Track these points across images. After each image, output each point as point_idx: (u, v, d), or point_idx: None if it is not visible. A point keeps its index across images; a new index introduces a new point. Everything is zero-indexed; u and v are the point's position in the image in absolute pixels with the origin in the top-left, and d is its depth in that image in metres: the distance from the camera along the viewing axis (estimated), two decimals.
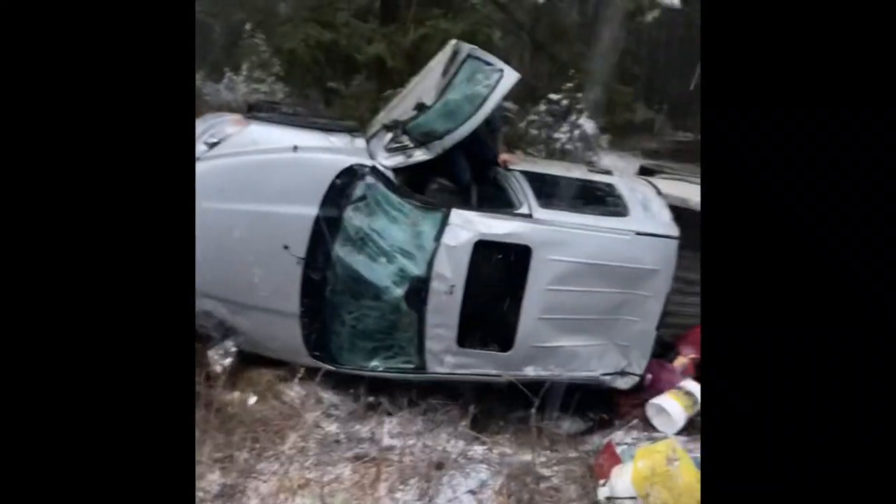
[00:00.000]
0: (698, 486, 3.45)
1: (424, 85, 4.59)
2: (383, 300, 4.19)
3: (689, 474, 3.43)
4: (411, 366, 4.29)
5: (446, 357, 4.28)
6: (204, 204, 4.01)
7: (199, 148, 4.08)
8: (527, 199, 4.45)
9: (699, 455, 3.83)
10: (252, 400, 4.05)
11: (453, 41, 4.72)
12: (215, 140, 4.11)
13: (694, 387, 4.52)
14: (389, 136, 4.41)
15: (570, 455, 4.08)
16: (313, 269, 4.13)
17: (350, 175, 4.23)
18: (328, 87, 6.58)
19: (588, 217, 4.45)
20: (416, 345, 4.25)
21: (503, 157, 4.87)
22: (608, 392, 4.64)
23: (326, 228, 4.13)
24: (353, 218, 4.20)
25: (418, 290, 4.18)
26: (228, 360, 4.09)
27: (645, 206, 4.65)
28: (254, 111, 4.55)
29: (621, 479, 3.52)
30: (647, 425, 4.38)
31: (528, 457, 3.86)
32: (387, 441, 3.94)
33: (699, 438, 4.26)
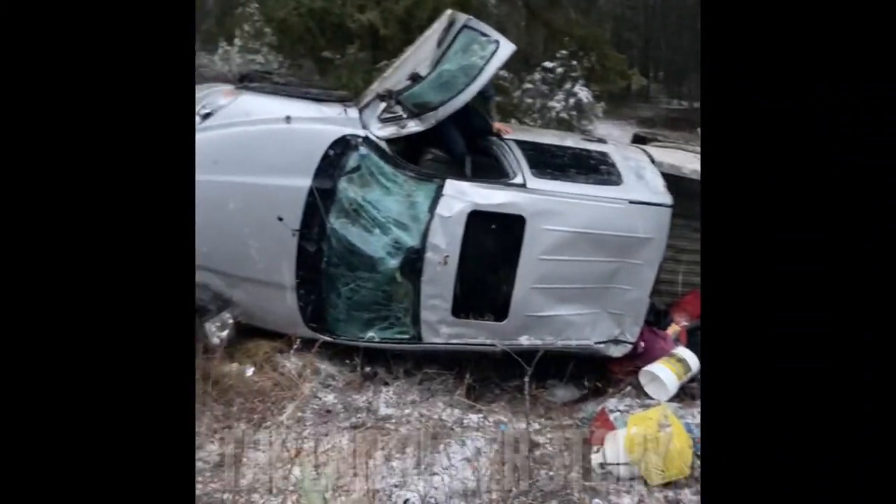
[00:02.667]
0: (689, 451, 3.52)
1: (419, 55, 4.54)
2: (378, 271, 4.20)
3: (680, 440, 3.49)
4: (407, 336, 4.32)
5: (441, 327, 4.32)
6: (198, 176, 4.01)
7: None
8: (521, 168, 4.44)
9: (690, 421, 3.91)
10: (249, 371, 4.09)
11: (449, 11, 4.66)
12: (208, 111, 4.07)
13: (686, 354, 4.58)
14: (383, 106, 4.38)
15: (565, 422, 4.15)
16: (308, 241, 4.14)
17: (343, 146, 4.22)
18: (321, 56, 6.49)
19: (582, 186, 4.45)
20: (412, 315, 4.28)
21: (497, 126, 4.85)
22: (602, 360, 4.70)
23: (320, 200, 4.13)
24: (347, 189, 4.19)
25: (413, 261, 4.20)
26: (225, 333, 4.12)
27: (638, 175, 4.65)
28: (245, 81, 4.51)
29: (614, 446, 3.58)
30: (640, 392, 4.45)
31: (522, 425, 3.92)
32: (383, 410, 3.99)
33: (692, 404, 4.34)
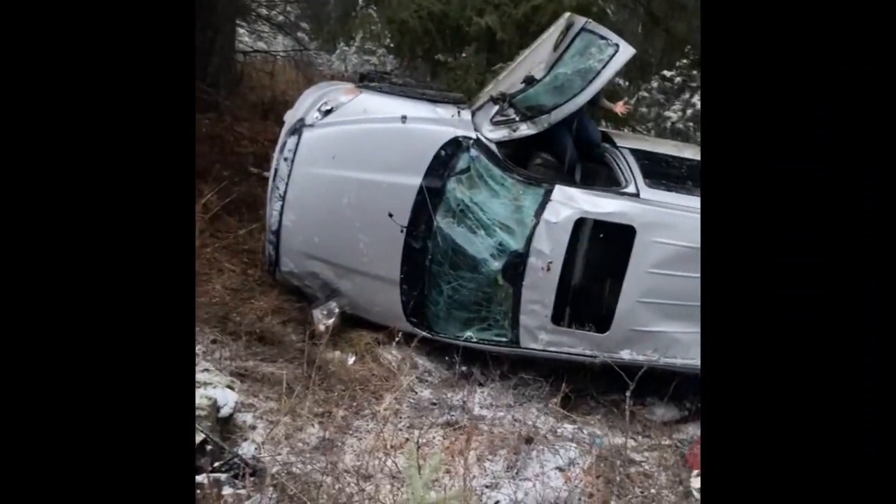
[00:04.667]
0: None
1: (535, 58, 4.53)
2: (481, 272, 4.23)
3: None
4: (504, 339, 4.32)
5: (540, 334, 4.28)
6: (316, 170, 4.20)
7: (313, 115, 4.23)
8: (634, 177, 4.33)
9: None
10: (351, 360, 4.22)
11: (567, 14, 4.62)
12: (329, 108, 4.24)
13: None
14: (496, 108, 4.39)
15: (663, 442, 4.00)
16: (415, 238, 4.22)
17: (454, 146, 4.27)
18: (437, 58, 6.62)
19: (698, 199, 4.27)
20: (511, 319, 4.27)
21: (619, 107, 4.78)
22: None
23: (429, 199, 4.20)
24: (456, 189, 4.24)
25: (516, 264, 4.19)
26: (331, 321, 4.27)
27: None
28: (366, 81, 4.66)
29: None
30: None
31: (619, 440, 3.82)
32: (477, 411, 4.00)
33: None
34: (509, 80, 4.60)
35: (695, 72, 7.66)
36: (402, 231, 4.19)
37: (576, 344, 4.33)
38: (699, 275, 4.43)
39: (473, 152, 4.29)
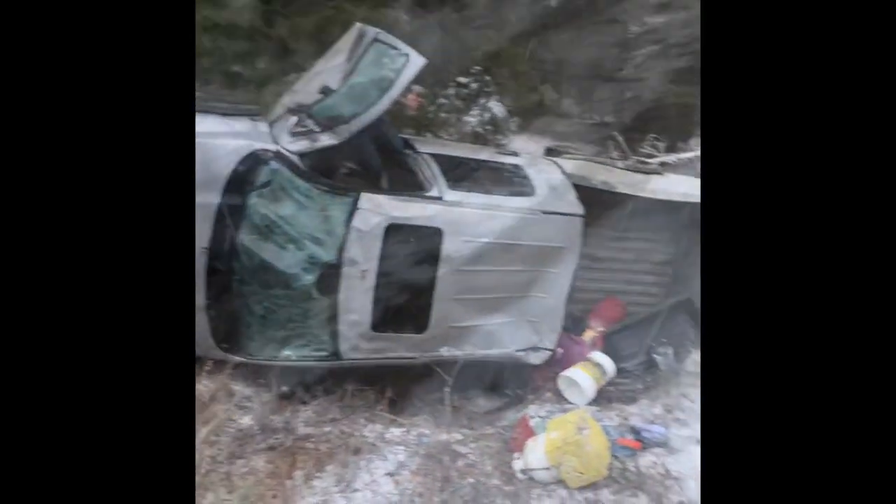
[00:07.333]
0: (607, 452, 3.61)
1: (328, 68, 4.50)
2: (293, 288, 4.10)
3: (598, 442, 3.58)
4: (325, 353, 4.23)
5: (361, 342, 4.26)
6: None
7: None
8: (436, 181, 4.47)
9: (608, 423, 4.01)
10: None
11: (357, 24, 4.64)
12: None
13: (602, 358, 4.70)
14: (294, 119, 4.30)
15: (487, 431, 4.16)
16: (218, 259, 3.99)
17: (253, 160, 4.10)
18: (230, 71, 6.33)
19: (496, 198, 4.52)
20: (330, 332, 4.20)
21: (410, 99, 4.87)
22: (522, 368, 4.75)
23: (230, 216, 4.00)
24: (258, 205, 4.08)
25: (329, 276, 4.12)
26: None
27: (551, 186, 4.76)
28: None
29: (535, 451, 3.63)
30: (560, 398, 4.53)
31: (444, 436, 3.91)
32: (302, 430, 3.88)
33: (609, 407, 4.46)
34: (305, 90, 4.53)
35: (487, 77, 8.06)
36: (202, 253, 3.94)
37: (397, 348, 4.36)
38: (505, 267, 4.70)
39: (274, 165, 4.15)
